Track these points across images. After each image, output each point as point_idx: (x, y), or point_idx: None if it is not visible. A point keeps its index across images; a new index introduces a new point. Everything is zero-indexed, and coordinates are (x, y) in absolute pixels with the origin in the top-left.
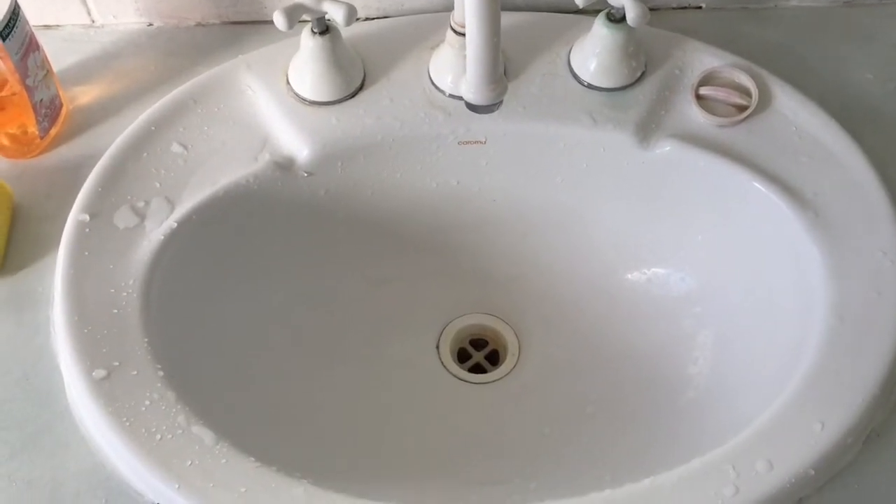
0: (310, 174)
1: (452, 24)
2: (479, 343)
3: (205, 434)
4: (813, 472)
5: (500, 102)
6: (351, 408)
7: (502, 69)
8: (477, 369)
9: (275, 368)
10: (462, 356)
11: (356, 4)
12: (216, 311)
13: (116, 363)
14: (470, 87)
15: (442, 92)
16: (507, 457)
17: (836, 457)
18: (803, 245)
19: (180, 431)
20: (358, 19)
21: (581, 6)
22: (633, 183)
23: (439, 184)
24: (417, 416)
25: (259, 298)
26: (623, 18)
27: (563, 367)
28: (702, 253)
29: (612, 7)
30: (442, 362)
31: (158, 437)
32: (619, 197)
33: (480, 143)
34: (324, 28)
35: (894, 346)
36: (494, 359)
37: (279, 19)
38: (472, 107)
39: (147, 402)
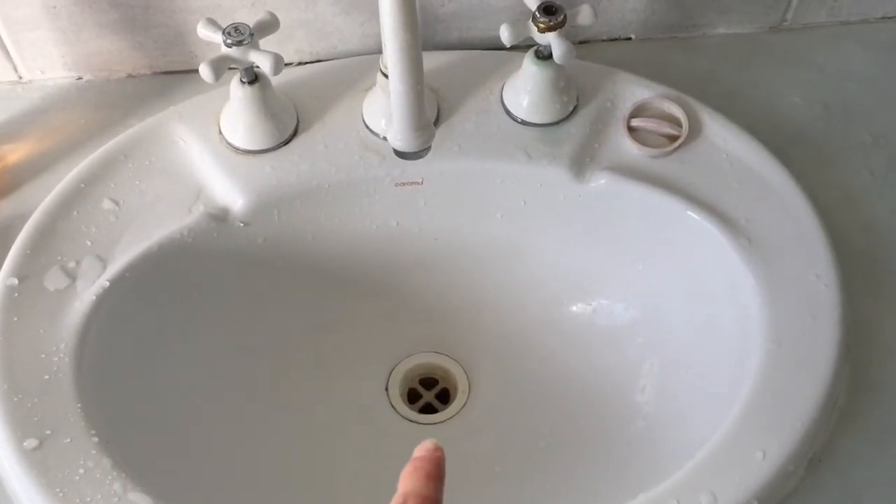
0: (246, 224)
1: (381, 66)
2: (428, 382)
3: (142, 501)
4: (756, 503)
5: (429, 149)
6: (300, 459)
7: (430, 115)
8: (428, 409)
9: (217, 426)
10: (412, 397)
11: (289, 49)
12: (154, 371)
13: (48, 431)
14: (396, 134)
15: (376, 135)
16: (460, 498)
17: (779, 485)
18: (738, 271)
19: (116, 499)
20: (291, 64)
21: (508, 45)
22: (571, 216)
23: (379, 226)
24: (369, 462)
25: (199, 354)
26: (551, 55)
27: (513, 401)
28: (643, 282)
29: (540, 45)
30: (392, 405)
31: None
32: (559, 230)
33: (417, 183)
34: (252, 77)
35: (831, 369)
36: (445, 397)
37: (205, 72)
38: (399, 154)
39: (81, 471)
